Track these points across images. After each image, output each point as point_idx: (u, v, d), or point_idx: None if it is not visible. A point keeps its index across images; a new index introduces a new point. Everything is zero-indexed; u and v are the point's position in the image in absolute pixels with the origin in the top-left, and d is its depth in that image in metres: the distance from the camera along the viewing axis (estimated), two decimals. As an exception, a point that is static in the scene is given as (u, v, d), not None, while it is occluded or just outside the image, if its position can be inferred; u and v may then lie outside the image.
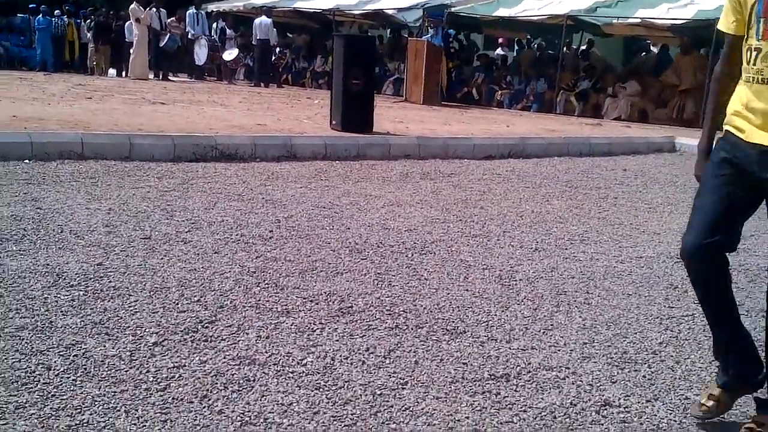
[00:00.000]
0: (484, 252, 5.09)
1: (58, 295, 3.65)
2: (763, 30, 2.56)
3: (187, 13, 21.74)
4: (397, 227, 5.59)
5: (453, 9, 19.84)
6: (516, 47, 24.86)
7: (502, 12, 19.62)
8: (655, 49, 20.85)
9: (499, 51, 24.26)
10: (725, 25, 2.74)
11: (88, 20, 23.53)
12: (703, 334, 3.79)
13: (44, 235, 4.64)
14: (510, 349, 3.47)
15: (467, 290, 4.25)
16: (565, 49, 20.49)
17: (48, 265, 4.07)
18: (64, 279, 3.88)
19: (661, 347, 3.60)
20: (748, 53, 2.63)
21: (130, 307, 3.59)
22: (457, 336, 3.58)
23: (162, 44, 20.35)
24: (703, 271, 2.79)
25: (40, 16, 22.48)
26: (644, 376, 3.28)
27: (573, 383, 3.17)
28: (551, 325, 3.82)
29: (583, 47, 21.58)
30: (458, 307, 3.96)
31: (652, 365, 3.39)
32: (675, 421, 2.93)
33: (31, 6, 23.35)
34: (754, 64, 2.60)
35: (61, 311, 3.46)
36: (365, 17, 23.44)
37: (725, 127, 2.77)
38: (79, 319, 3.40)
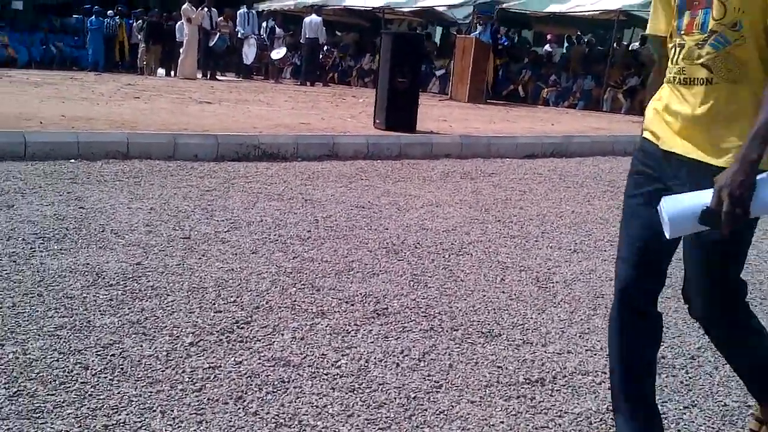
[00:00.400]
0: (521, 253, 5.05)
1: (97, 295, 3.70)
2: (686, 23, 2.27)
3: (239, 12, 21.96)
4: (435, 228, 5.58)
5: (504, 5, 19.71)
6: (566, 44, 24.63)
7: (554, 8, 19.45)
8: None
9: (547, 47, 24.07)
10: (653, 27, 2.45)
11: (140, 20, 23.85)
12: (744, 339, 3.72)
13: (86, 234, 4.72)
14: (546, 352, 3.45)
15: (503, 292, 4.23)
16: (615, 45, 20.31)
17: (88, 264, 4.14)
18: (103, 278, 3.93)
19: (700, 352, 3.54)
20: (672, 50, 2.33)
21: (167, 306, 3.63)
22: (492, 339, 3.56)
23: (212, 44, 20.54)
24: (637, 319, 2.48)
25: (93, 17, 22.87)
26: (682, 382, 3.23)
27: (610, 388, 3.12)
28: (588, 328, 3.78)
29: (636, 44, 21.33)
30: (494, 309, 3.94)
31: (689, 371, 3.34)
32: (713, 428, 2.88)
33: (85, 6, 23.76)
34: (676, 63, 2.30)
35: (100, 311, 3.52)
36: (415, 14, 23.49)
37: (642, 135, 2.46)
38: (116, 318, 3.44)
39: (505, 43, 20.23)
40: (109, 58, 23.32)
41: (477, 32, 17.81)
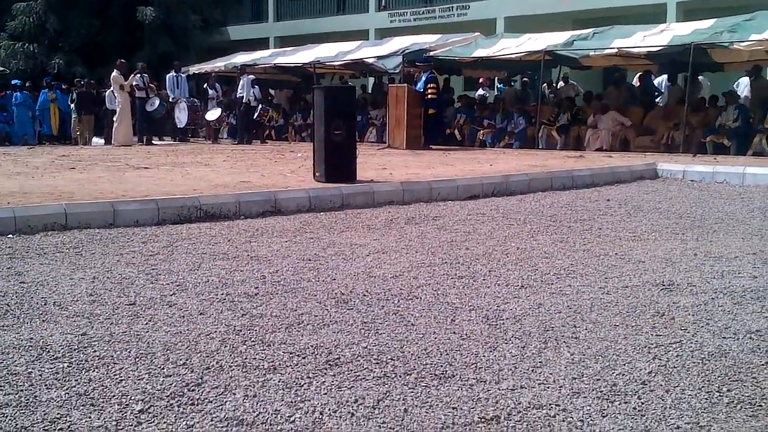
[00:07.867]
0: (470, 293, 5.08)
1: (42, 369, 3.62)
2: None
3: (167, 77, 22.01)
4: (382, 274, 5.59)
5: (432, 53, 20.02)
6: (498, 86, 25.05)
7: (480, 52, 19.84)
8: (636, 81, 20.90)
9: (480, 91, 24.46)
10: None
11: (70, 92, 23.68)
12: (692, 360, 3.78)
13: (28, 308, 4.62)
14: (499, 389, 3.45)
15: (454, 333, 4.24)
16: (545, 85, 20.89)
17: (32, 338, 4.04)
18: (48, 352, 3.85)
19: (650, 377, 3.58)
20: None
21: (115, 375, 3.56)
22: (445, 380, 3.55)
23: (151, 109, 20.44)
24: None
25: (18, 92, 22.67)
26: (634, 408, 3.25)
27: (564, 420, 3.15)
28: (540, 362, 3.80)
29: (562, 83, 21.82)
30: (446, 350, 3.94)
31: (642, 396, 3.37)
32: (668, 450, 2.91)
33: (13, 82, 23.55)
34: None
35: (46, 385, 3.43)
36: (346, 67, 23.74)
37: None
38: (63, 391, 3.36)
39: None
40: (40, 131, 23.09)
41: (423, 80, 17.93)
